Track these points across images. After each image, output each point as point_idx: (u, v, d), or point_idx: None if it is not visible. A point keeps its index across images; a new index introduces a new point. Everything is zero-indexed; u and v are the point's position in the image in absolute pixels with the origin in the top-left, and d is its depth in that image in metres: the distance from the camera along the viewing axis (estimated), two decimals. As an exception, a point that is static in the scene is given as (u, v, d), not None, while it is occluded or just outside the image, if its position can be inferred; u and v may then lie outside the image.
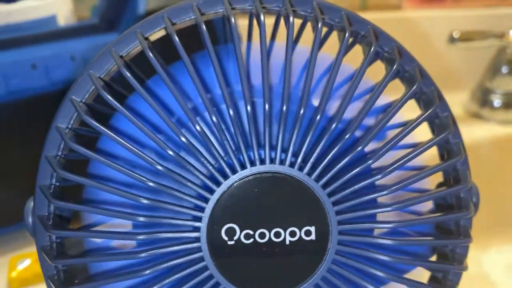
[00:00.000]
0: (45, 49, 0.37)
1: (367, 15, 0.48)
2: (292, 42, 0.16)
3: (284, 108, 0.14)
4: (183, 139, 0.14)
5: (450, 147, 0.18)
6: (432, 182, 0.22)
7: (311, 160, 0.15)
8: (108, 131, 0.15)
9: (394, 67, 0.16)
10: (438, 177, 0.24)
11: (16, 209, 0.38)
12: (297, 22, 0.18)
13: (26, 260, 0.38)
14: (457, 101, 0.63)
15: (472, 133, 0.58)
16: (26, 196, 0.37)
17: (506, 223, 0.61)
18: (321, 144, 0.15)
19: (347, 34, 0.16)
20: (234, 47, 0.15)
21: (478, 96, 0.60)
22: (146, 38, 0.17)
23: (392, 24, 0.60)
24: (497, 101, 0.59)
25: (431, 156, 0.24)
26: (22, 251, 0.39)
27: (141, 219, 0.15)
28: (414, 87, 0.16)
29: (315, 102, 0.16)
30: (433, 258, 0.20)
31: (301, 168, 0.15)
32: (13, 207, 0.38)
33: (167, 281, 0.14)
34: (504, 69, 0.58)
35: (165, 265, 0.14)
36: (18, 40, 0.37)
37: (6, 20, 0.46)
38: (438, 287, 0.17)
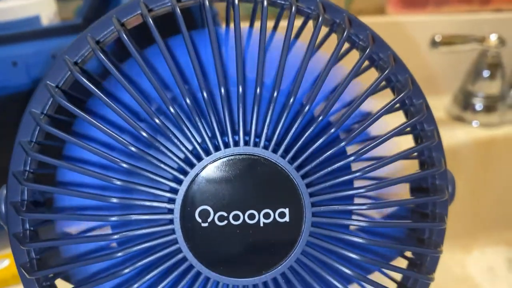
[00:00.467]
0: (27, 47, 0.37)
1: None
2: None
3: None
4: (156, 120, 0.14)
5: (425, 133, 0.19)
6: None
7: (285, 142, 0.15)
8: (82, 113, 0.15)
9: (367, 52, 0.16)
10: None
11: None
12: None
13: (5, 261, 0.37)
14: (440, 104, 0.64)
15: (455, 135, 0.58)
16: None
17: (487, 225, 0.62)
18: (295, 127, 0.15)
19: (320, 20, 0.16)
20: (209, 31, 0.15)
21: (460, 100, 0.61)
22: (122, 24, 0.17)
23: (376, 28, 0.61)
24: (478, 104, 0.59)
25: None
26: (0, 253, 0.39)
27: (114, 200, 0.14)
28: (386, 71, 0.16)
29: (305, 100, 0.16)
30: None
31: (275, 150, 0.15)
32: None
33: (140, 263, 0.14)
34: (485, 73, 0.58)
35: (138, 247, 0.14)
36: (3, 38, 0.37)
37: (-12, 19, 0.45)
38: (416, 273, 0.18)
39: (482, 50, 0.57)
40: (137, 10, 0.17)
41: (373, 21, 0.63)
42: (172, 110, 0.14)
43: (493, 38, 0.56)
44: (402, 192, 0.18)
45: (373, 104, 0.19)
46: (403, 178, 0.16)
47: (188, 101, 0.15)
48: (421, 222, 0.17)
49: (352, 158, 0.15)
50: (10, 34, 0.38)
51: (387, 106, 0.17)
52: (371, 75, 0.20)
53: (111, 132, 0.15)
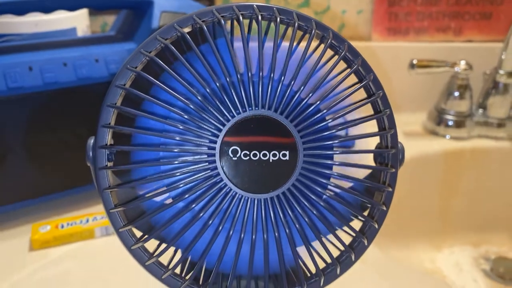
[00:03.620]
0: (74, 51, 0.45)
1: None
2: (278, 37, 0.24)
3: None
4: (207, 89, 0.22)
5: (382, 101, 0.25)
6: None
7: (288, 109, 0.23)
8: (160, 84, 0.23)
9: (328, 42, 0.24)
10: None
11: (40, 184, 0.45)
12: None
13: (47, 226, 0.44)
14: (417, 120, 0.72)
15: (429, 146, 0.66)
16: (50, 174, 0.45)
17: (456, 227, 0.69)
18: (295, 99, 0.23)
19: (313, 33, 0.24)
20: (230, 38, 0.23)
21: (435, 116, 0.69)
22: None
23: (362, 53, 0.69)
24: (450, 121, 0.68)
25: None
26: (42, 221, 0.46)
27: (177, 138, 0.22)
28: (342, 54, 0.24)
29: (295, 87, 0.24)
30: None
31: (281, 113, 0.23)
32: (37, 182, 0.46)
33: (192, 178, 0.22)
34: (456, 94, 0.67)
35: (192, 167, 0.22)
36: (53, 43, 0.45)
37: (36, 29, 0.54)
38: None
39: (454, 73, 0.66)
40: (191, 21, 0.25)
41: (360, 45, 0.72)
42: (218, 84, 0.22)
43: (462, 63, 0.65)
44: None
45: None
46: (366, 134, 0.24)
47: (228, 79, 0.22)
48: (379, 168, 0.25)
49: (325, 111, 0.23)
50: (61, 40, 0.46)
51: (346, 76, 0.24)
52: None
53: (180, 97, 0.22)
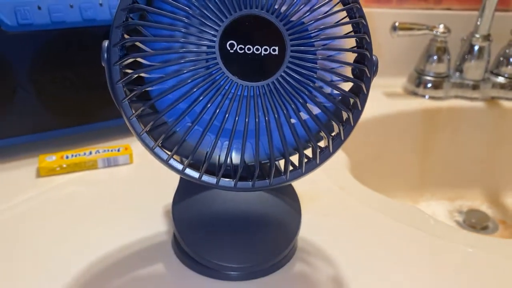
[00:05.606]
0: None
1: None
2: None
3: None
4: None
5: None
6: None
7: (278, 9, 0.26)
8: None
9: None
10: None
11: (46, 119, 0.49)
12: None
13: (53, 156, 0.48)
14: (399, 82, 0.76)
15: (409, 105, 0.71)
16: (56, 110, 0.48)
17: (433, 182, 0.73)
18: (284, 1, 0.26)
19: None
20: None
21: (414, 78, 0.73)
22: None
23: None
24: (429, 82, 0.72)
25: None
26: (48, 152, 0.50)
27: (182, 30, 0.26)
28: None
29: None
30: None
31: (272, 13, 0.26)
32: (44, 117, 0.49)
33: (195, 66, 0.26)
34: (434, 56, 0.71)
35: (195, 57, 0.26)
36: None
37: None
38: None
39: (432, 36, 0.71)
40: None
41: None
42: None
43: (441, 27, 0.70)
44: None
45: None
46: (344, 35, 0.28)
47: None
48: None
49: (308, 17, 0.26)
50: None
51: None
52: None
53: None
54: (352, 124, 0.30)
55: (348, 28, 0.30)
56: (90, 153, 0.49)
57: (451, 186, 0.74)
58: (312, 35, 0.28)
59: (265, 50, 0.27)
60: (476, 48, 0.70)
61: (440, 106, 0.71)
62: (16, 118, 0.48)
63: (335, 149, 0.30)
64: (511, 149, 0.73)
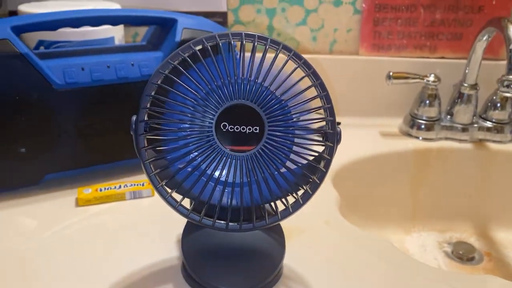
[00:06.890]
0: (116, 57, 0.58)
1: (333, 57, 0.74)
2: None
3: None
4: (209, 87, 0.35)
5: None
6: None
7: (258, 100, 0.36)
8: (187, 74, 0.36)
9: (289, 56, 0.37)
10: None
11: (85, 157, 0.59)
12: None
13: (89, 189, 0.58)
14: (395, 123, 0.84)
15: (403, 145, 0.78)
16: (93, 150, 0.58)
17: (423, 215, 0.80)
18: (263, 94, 0.36)
19: (278, 50, 0.37)
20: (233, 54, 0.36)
21: (409, 120, 0.81)
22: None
23: (351, 65, 0.83)
24: (422, 124, 0.80)
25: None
26: (86, 186, 0.60)
27: (189, 115, 0.35)
28: (290, 54, 0.37)
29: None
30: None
31: (253, 102, 0.36)
32: (83, 156, 0.59)
33: (196, 139, 0.35)
34: (427, 101, 0.79)
35: (199, 135, 0.35)
36: (99, 50, 0.59)
37: (83, 38, 0.68)
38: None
39: (424, 84, 0.78)
40: (201, 43, 0.38)
41: (349, 59, 0.84)
42: (215, 84, 0.36)
43: (431, 76, 0.77)
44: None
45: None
46: (314, 119, 0.37)
47: (222, 81, 0.36)
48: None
49: (282, 97, 0.36)
50: (105, 47, 0.60)
51: (293, 70, 0.37)
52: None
53: (191, 89, 0.36)
54: (325, 171, 0.39)
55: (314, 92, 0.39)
56: (120, 186, 0.59)
57: (441, 218, 0.81)
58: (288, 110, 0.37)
59: (249, 129, 0.36)
60: (465, 95, 0.77)
61: (432, 147, 0.78)
62: (60, 156, 0.58)
63: (313, 191, 0.39)
64: (498, 186, 0.79)
